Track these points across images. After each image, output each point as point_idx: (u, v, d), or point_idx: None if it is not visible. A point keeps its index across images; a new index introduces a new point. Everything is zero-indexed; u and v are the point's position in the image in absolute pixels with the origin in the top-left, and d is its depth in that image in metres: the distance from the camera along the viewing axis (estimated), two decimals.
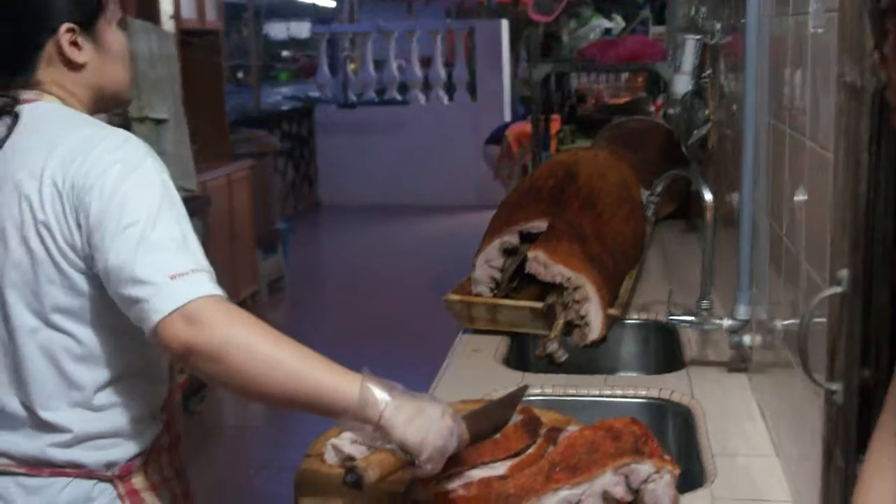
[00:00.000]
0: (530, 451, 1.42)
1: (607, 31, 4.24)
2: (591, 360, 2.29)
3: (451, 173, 9.78)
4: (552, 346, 2.07)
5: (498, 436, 1.42)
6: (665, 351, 2.37)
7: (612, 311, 2.15)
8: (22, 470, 1.40)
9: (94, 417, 1.40)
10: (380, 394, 1.24)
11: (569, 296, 2.11)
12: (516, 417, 1.47)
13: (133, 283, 1.25)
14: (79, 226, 1.31)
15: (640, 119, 3.87)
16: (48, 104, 1.42)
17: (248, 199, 6.37)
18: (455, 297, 2.29)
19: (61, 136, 1.35)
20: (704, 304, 1.98)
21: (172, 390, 1.52)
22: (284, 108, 10.27)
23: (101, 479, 1.41)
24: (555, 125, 4.83)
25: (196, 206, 5.23)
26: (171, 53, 5.10)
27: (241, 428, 4.70)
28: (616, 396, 1.96)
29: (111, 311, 1.34)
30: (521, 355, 2.33)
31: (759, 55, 1.78)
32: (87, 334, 1.37)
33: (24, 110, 1.41)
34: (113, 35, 1.46)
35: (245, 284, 6.27)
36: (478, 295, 2.29)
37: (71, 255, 1.33)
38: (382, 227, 9.11)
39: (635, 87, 5.91)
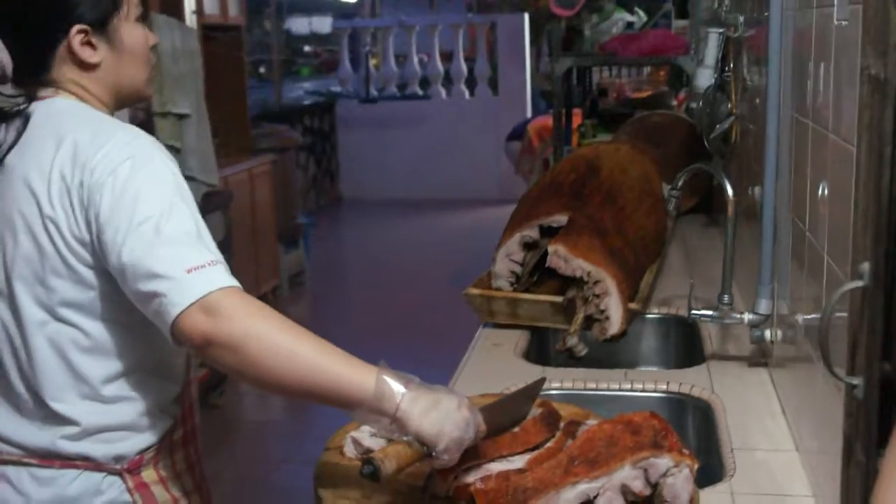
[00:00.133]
0: (549, 444, 1.41)
1: (629, 24, 4.22)
2: (611, 354, 2.28)
3: (472, 168, 9.78)
4: (572, 341, 2.07)
5: (517, 429, 1.42)
6: (685, 345, 2.36)
7: (633, 306, 2.14)
8: (34, 461, 1.42)
9: (102, 410, 1.41)
10: (396, 386, 1.24)
11: (589, 290, 2.11)
12: (535, 411, 1.47)
13: (150, 278, 1.26)
14: (87, 222, 1.32)
15: (662, 113, 3.85)
16: (64, 101, 1.43)
17: (270, 193, 6.39)
18: (475, 291, 2.29)
19: (71, 132, 1.36)
20: (725, 298, 1.97)
21: (188, 385, 1.53)
22: (306, 102, 10.29)
23: (111, 472, 1.43)
24: (576, 119, 4.81)
25: (218, 200, 5.26)
26: (194, 49, 5.12)
27: (262, 422, 4.73)
28: (636, 391, 1.95)
29: (120, 305, 1.36)
30: (542, 349, 2.33)
31: (782, 48, 1.76)
32: (95, 327, 1.39)
33: (40, 107, 1.42)
34: (130, 32, 1.45)
35: (266, 279, 6.29)
36: (498, 289, 2.29)
37: (79, 249, 1.34)
38: (403, 221, 9.12)
39: (657, 81, 5.88)
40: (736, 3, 2.54)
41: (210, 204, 5.14)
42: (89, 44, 1.42)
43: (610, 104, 5.09)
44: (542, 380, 1.59)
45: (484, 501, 1.27)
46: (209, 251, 1.30)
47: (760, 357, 2.02)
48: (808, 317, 1.51)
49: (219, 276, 1.27)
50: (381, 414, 1.24)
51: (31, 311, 1.38)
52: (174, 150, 4.92)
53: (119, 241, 1.28)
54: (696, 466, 1.31)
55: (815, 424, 1.47)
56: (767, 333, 1.86)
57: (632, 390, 1.95)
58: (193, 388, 1.56)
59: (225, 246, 5.22)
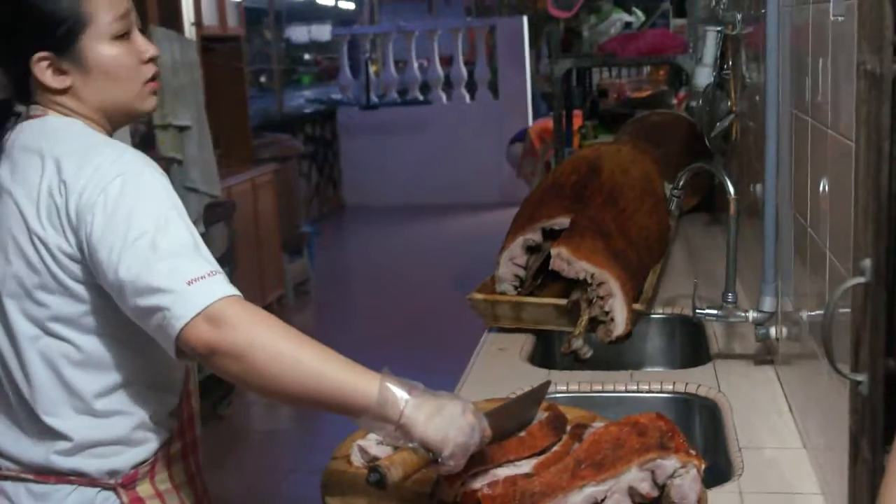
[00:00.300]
0: (556, 448, 1.41)
1: (627, 24, 4.22)
2: (616, 355, 2.28)
3: (474, 172, 9.78)
4: (577, 343, 2.06)
5: (523, 433, 1.42)
6: (691, 345, 2.36)
7: (637, 307, 2.14)
8: (31, 476, 1.43)
9: (94, 425, 1.41)
10: (399, 392, 1.24)
11: (593, 292, 2.10)
12: (541, 415, 1.47)
13: (150, 292, 1.26)
14: (79, 241, 1.32)
15: (662, 112, 3.85)
16: (56, 119, 1.43)
17: (273, 203, 6.39)
18: (479, 295, 2.29)
19: (59, 151, 1.36)
20: (729, 297, 1.97)
21: (187, 397, 1.53)
22: (307, 111, 10.30)
23: (105, 486, 1.43)
24: (577, 121, 4.81)
25: (221, 211, 5.27)
26: (194, 60, 5.13)
27: (269, 432, 4.72)
28: (642, 392, 1.95)
29: (112, 319, 1.37)
30: (547, 353, 2.32)
31: (780, 45, 1.76)
32: (86, 342, 1.39)
33: (32, 125, 1.42)
34: (101, 52, 1.41)
35: (271, 288, 6.29)
36: (502, 293, 2.29)
37: (70, 265, 1.34)
38: (407, 226, 9.13)
39: (657, 80, 5.88)
40: (733, 0, 2.54)
41: (213, 215, 5.14)
42: (57, 69, 1.40)
43: (610, 105, 5.09)
44: (547, 383, 1.59)
45: None
46: (207, 262, 1.30)
47: (766, 355, 2.01)
48: (812, 313, 1.51)
49: (220, 286, 1.27)
50: (385, 421, 1.24)
51: (23, 327, 1.39)
52: (176, 162, 4.92)
53: (115, 259, 1.28)
54: (703, 466, 1.31)
55: (822, 421, 1.46)
56: (772, 331, 1.86)
57: (638, 391, 1.95)
58: (194, 400, 1.56)
59: (229, 256, 5.23)
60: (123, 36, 1.43)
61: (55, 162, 1.35)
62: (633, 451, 1.29)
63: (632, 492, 1.28)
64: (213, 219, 5.14)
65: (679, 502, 1.29)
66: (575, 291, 2.15)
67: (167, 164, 4.85)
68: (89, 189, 1.31)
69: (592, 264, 2.10)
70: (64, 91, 1.42)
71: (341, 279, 7.72)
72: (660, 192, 2.57)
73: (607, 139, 3.90)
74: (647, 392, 1.95)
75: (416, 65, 10.31)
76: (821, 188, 1.42)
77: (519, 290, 2.29)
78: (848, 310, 1.21)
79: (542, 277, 2.30)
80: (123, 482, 1.44)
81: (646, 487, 1.29)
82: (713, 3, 2.80)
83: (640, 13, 4.47)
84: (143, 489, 1.46)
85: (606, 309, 2.09)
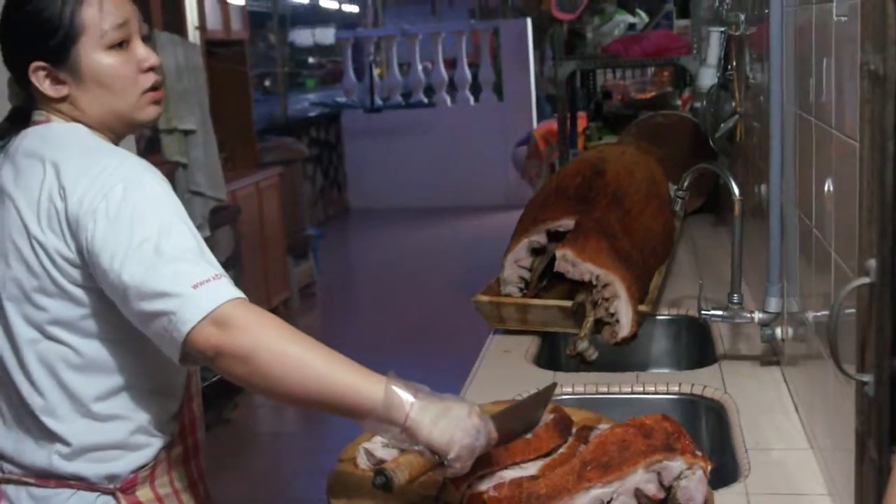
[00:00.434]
0: (561, 450, 1.41)
1: (631, 26, 4.22)
2: (622, 357, 2.28)
3: (478, 174, 9.78)
4: (582, 345, 2.06)
5: (529, 436, 1.42)
6: (696, 346, 2.36)
7: (642, 308, 2.14)
8: (32, 480, 1.43)
9: (93, 428, 1.42)
10: (405, 395, 1.24)
11: (598, 293, 2.10)
12: (547, 417, 1.47)
13: (155, 297, 1.26)
14: (79, 247, 1.33)
15: (666, 114, 3.85)
16: (60, 124, 1.43)
17: (278, 206, 6.40)
18: (484, 297, 2.29)
19: (60, 157, 1.37)
20: (735, 297, 1.97)
21: (188, 401, 1.53)
22: (311, 114, 10.31)
23: (104, 491, 1.43)
24: (581, 122, 4.81)
25: (226, 215, 5.28)
26: (198, 65, 5.14)
27: (275, 435, 4.73)
28: (648, 393, 1.95)
29: (112, 323, 1.37)
30: (552, 355, 2.32)
31: (783, 45, 1.76)
32: (85, 345, 1.39)
33: (36, 131, 1.43)
34: (96, 62, 1.40)
35: (277, 291, 6.30)
36: (507, 295, 2.29)
37: (69, 270, 1.35)
38: (411, 229, 9.13)
39: (661, 81, 5.88)
40: (737, 1, 2.54)
41: (218, 219, 5.15)
42: (54, 78, 1.41)
43: (614, 106, 5.09)
44: (554, 385, 1.59)
45: None
46: (212, 265, 1.30)
47: (772, 355, 2.01)
48: (818, 314, 1.51)
49: (225, 289, 1.28)
50: (390, 423, 1.24)
51: (22, 330, 1.39)
52: (181, 166, 4.93)
53: (118, 264, 1.28)
54: (709, 468, 1.30)
55: (829, 422, 1.46)
56: (778, 332, 1.86)
57: (644, 393, 1.95)
58: (195, 404, 1.56)
59: (234, 260, 5.24)
60: (122, 45, 1.42)
61: (56, 167, 1.35)
62: (639, 453, 1.29)
63: (638, 493, 1.28)
64: (218, 222, 5.15)
65: None
66: (580, 293, 2.15)
67: (172, 168, 4.86)
68: (90, 195, 1.31)
69: (597, 266, 2.10)
70: (62, 100, 1.43)
71: (346, 282, 7.73)
72: (664, 194, 2.57)
73: (612, 141, 3.89)
74: (652, 393, 1.95)
75: (420, 67, 10.31)
76: (825, 188, 1.42)
77: (524, 292, 2.29)
78: (853, 310, 1.21)
79: (547, 279, 2.30)
80: (122, 487, 1.44)
81: (652, 489, 1.28)
82: (716, 3, 2.79)
83: (643, 14, 4.47)
84: (143, 493, 1.46)
85: (612, 310, 2.09)
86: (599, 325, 2.11)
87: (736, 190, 1.99)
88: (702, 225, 3.33)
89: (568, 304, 2.16)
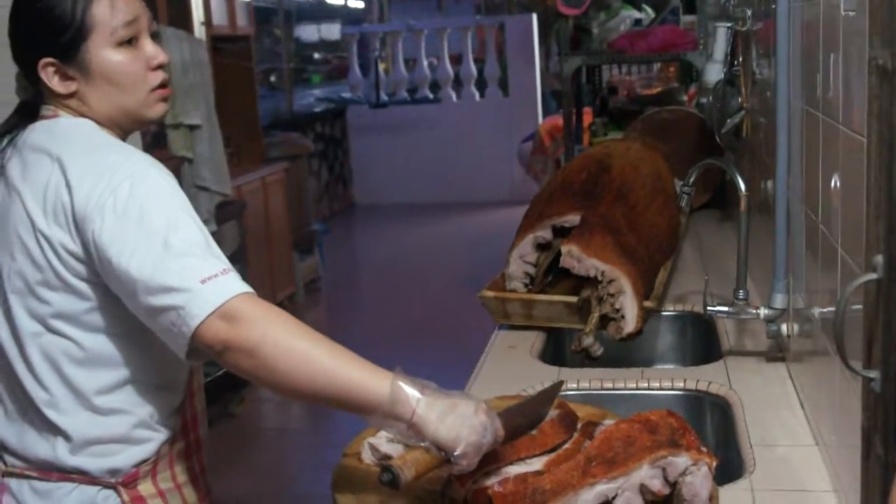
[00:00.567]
0: (567, 445, 1.41)
1: (637, 21, 4.21)
2: (627, 353, 2.28)
3: (484, 170, 9.78)
4: (588, 341, 2.06)
5: (534, 431, 1.42)
6: (702, 342, 2.35)
7: (648, 304, 2.14)
8: (35, 474, 1.44)
9: (95, 422, 1.42)
10: (411, 391, 1.24)
11: (603, 289, 2.10)
12: (552, 413, 1.47)
13: (163, 291, 1.26)
14: (84, 242, 1.33)
15: (672, 109, 3.84)
16: (67, 119, 1.44)
17: (283, 201, 6.41)
18: (490, 293, 2.29)
19: (67, 151, 1.37)
20: (741, 293, 1.96)
21: (191, 396, 1.53)
22: (317, 109, 10.30)
23: (105, 485, 1.44)
24: (587, 118, 4.80)
25: (232, 210, 5.28)
26: (204, 60, 5.14)
27: (280, 430, 4.74)
28: (653, 389, 1.95)
29: (116, 317, 1.38)
30: (557, 350, 2.32)
31: (790, 40, 1.75)
32: (88, 339, 1.40)
33: (43, 126, 1.44)
34: (105, 59, 1.41)
35: (282, 286, 6.30)
36: (512, 291, 2.29)
37: (74, 264, 1.35)
38: (416, 225, 9.13)
39: (667, 77, 5.86)
40: None
41: (224, 213, 5.16)
42: (63, 75, 1.41)
43: (620, 102, 5.08)
44: (561, 383, 1.59)
45: None
46: (219, 260, 1.31)
47: (777, 352, 2.01)
48: (824, 310, 1.50)
49: (233, 284, 1.28)
50: (396, 419, 1.24)
51: (26, 323, 1.40)
52: (187, 161, 4.94)
53: (126, 259, 1.28)
54: (714, 464, 1.30)
55: (834, 418, 1.46)
56: (784, 328, 1.85)
57: (649, 389, 1.95)
58: (198, 400, 1.56)
59: (240, 255, 5.24)
60: (131, 42, 1.43)
61: (62, 162, 1.36)
62: (645, 449, 1.29)
63: (643, 489, 1.28)
64: (223, 217, 5.15)
65: (690, 500, 1.29)
66: (585, 289, 2.15)
67: (178, 163, 4.86)
68: (98, 191, 1.32)
69: (603, 261, 2.10)
70: (71, 96, 1.43)
71: (351, 277, 7.73)
72: (670, 189, 2.57)
73: (617, 136, 3.88)
74: (658, 389, 1.94)
75: (425, 63, 10.30)
76: (832, 184, 1.42)
77: (529, 287, 2.29)
78: (860, 306, 1.20)
79: (552, 275, 2.30)
80: (124, 481, 1.44)
81: (657, 485, 1.28)
82: None
83: (649, 10, 4.46)
84: (145, 488, 1.46)
85: (617, 306, 2.08)
86: (605, 320, 2.11)
87: (742, 186, 1.99)
88: (707, 221, 3.33)
89: (573, 299, 2.16)
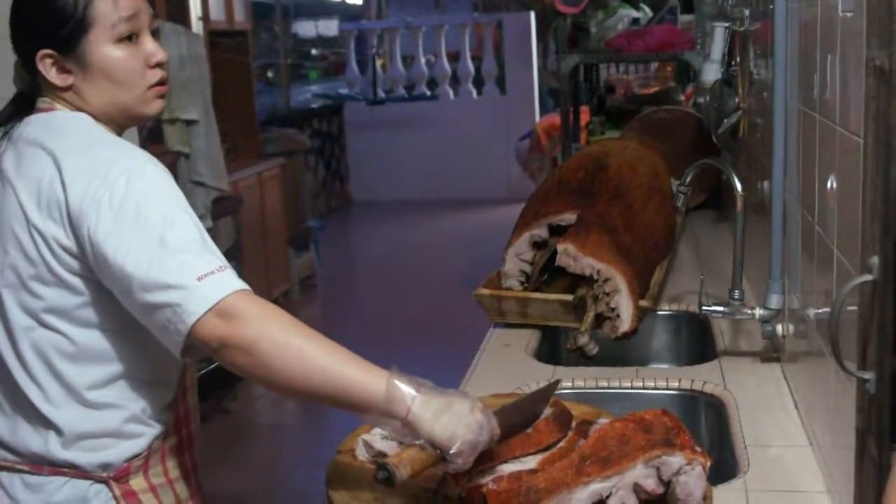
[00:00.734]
0: (561, 444, 1.41)
1: (635, 20, 4.21)
2: (622, 352, 2.28)
3: (481, 167, 9.77)
4: (583, 339, 2.06)
5: (529, 430, 1.42)
6: (697, 342, 2.36)
7: (643, 303, 2.14)
8: (26, 467, 1.44)
9: (87, 416, 1.42)
10: (407, 389, 1.24)
11: (599, 288, 2.10)
12: (547, 411, 1.47)
13: (159, 288, 1.26)
14: (79, 238, 1.32)
15: (669, 109, 3.84)
16: (63, 113, 1.44)
17: (280, 197, 6.40)
18: (485, 291, 2.29)
19: (62, 146, 1.37)
20: (736, 294, 1.97)
21: (183, 392, 1.53)
22: (314, 106, 10.29)
23: (97, 479, 1.44)
24: (584, 117, 4.80)
25: (228, 205, 5.28)
26: (201, 55, 5.13)
27: (275, 426, 4.73)
28: (648, 388, 1.95)
29: (108, 312, 1.37)
30: (552, 349, 2.32)
31: (788, 41, 1.76)
32: (80, 334, 1.39)
33: (38, 119, 1.43)
34: (104, 55, 1.41)
35: (278, 283, 6.30)
36: (508, 289, 2.29)
37: (67, 259, 1.35)
38: (413, 222, 9.13)
39: (664, 76, 5.87)
40: None
41: (220, 209, 5.15)
42: (61, 67, 1.41)
43: (617, 101, 5.08)
44: (557, 382, 1.59)
45: (496, 502, 1.26)
46: (216, 257, 1.31)
47: (772, 352, 2.01)
48: (819, 311, 1.50)
49: (229, 281, 1.28)
50: (392, 417, 1.24)
51: (18, 317, 1.40)
52: (183, 156, 4.93)
53: (122, 256, 1.28)
54: (708, 464, 1.30)
55: (829, 419, 1.46)
56: (779, 328, 1.86)
57: (643, 388, 1.95)
58: (191, 395, 1.56)
59: (235, 250, 5.23)
60: (131, 38, 1.42)
61: (57, 157, 1.35)
62: (639, 448, 1.29)
63: (637, 488, 1.28)
64: (220, 213, 5.15)
65: (684, 499, 1.29)
66: (581, 287, 2.15)
67: (174, 158, 4.86)
68: (93, 186, 1.31)
69: (599, 260, 2.10)
70: (67, 89, 1.43)
71: (347, 274, 7.73)
72: (667, 189, 2.57)
73: (614, 135, 3.89)
74: (652, 389, 1.95)
75: (423, 60, 10.29)
76: (828, 185, 1.42)
77: (525, 285, 2.29)
78: (855, 307, 1.20)
79: (548, 273, 2.30)
80: (116, 475, 1.44)
81: (651, 484, 1.28)
82: None
83: (647, 9, 4.46)
84: (137, 483, 1.46)
85: (612, 305, 2.08)
86: (600, 319, 2.11)
87: (738, 186, 1.99)
88: (704, 221, 3.33)
89: (569, 298, 2.16)
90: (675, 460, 1.29)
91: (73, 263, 1.35)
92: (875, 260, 1.13)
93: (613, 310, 2.09)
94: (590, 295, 2.12)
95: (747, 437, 1.65)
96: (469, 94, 10.17)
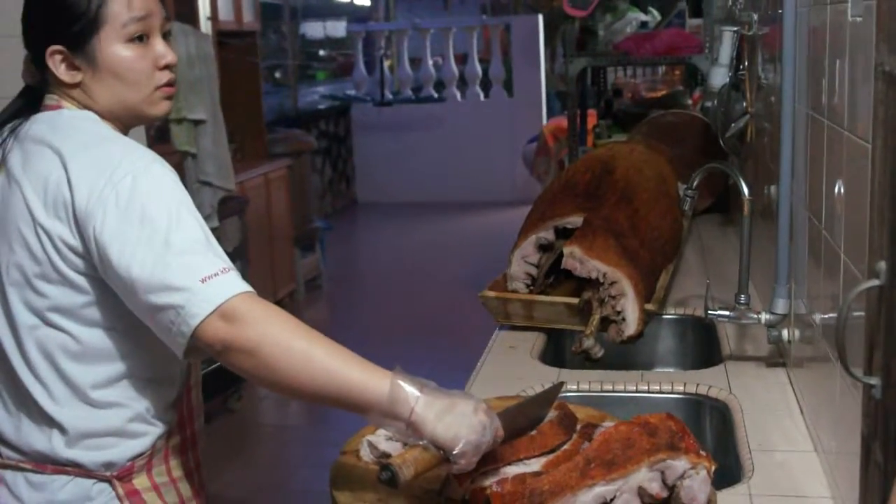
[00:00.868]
0: (565, 447, 1.41)
1: (643, 24, 4.21)
2: (627, 355, 2.28)
3: (487, 170, 9.78)
4: (588, 342, 2.06)
5: (533, 432, 1.42)
6: (702, 346, 2.35)
7: (649, 307, 2.13)
8: (29, 466, 1.44)
9: (91, 415, 1.42)
10: (410, 390, 1.24)
11: (605, 291, 2.10)
12: (552, 414, 1.47)
13: (163, 290, 1.26)
14: (84, 237, 1.32)
15: (677, 112, 3.83)
16: (70, 111, 1.44)
17: (286, 198, 6.40)
18: (491, 293, 2.29)
19: (69, 145, 1.37)
20: (742, 298, 1.96)
21: (188, 391, 1.53)
22: (321, 107, 10.30)
23: (100, 478, 1.44)
24: (591, 120, 4.80)
25: (234, 205, 5.28)
26: (209, 55, 5.14)
27: (279, 426, 4.73)
28: (653, 392, 1.94)
29: (113, 311, 1.37)
30: (558, 352, 2.32)
31: (796, 46, 1.75)
32: (84, 333, 1.39)
33: (45, 117, 1.43)
34: (113, 54, 1.41)
35: (283, 283, 6.30)
36: (514, 291, 2.28)
37: (72, 258, 1.35)
38: (419, 224, 9.13)
39: (672, 80, 5.86)
40: (750, 0, 2.53)
41: (226, 209, 5.15)
42: (70, 64, 1.41)
43: (625, 104, 5.08)
44: (561, 384, 1.59)
45: None
46: (220, 258, 1.31)
47: (778, 357, 2.00)
48: (826, 316, 1.50)
49: (233, 283, 1.28)
50: (395, 418, 1.24)
51: (23, 316, 1.40)
52: (190, 156, 4.94)
53: (127, 256, 1.28)
54: (713, 468, 1.30)
55: (834, 425, 1.45)
56: (785, 333, 1.85)
57: (648, 392, 1.95)
58: (195, 395, 1.56)
59: (241, 251, 5.24)
60: (141, 38, 1.43)
61: (64, 156, 1.35)
62: (643, 452, 1.28)
63: (641, 492, 1.28)
64: (226, 213, 5.15)
65: (689, 503, 1.28)
66: (587, 290, 2.15)
67: (181, 158, 4.86)
68: (99, 186, 1.31)
69: (605, 263, 2.09)
70: (75, 86, 1.43)
71: (353, 275, 7.73)
72: (673, 193, 2.56)
73: (621, 138, 3.88)
74: (657, 392, 1.94)
75: (430, 62, 10.30)
76: (836, 190, 1.41)
77: (531, 288, 2.29)
78: (862, 312, 1.20)
79: (554, 276, 2.30)
80: (119, 475, 1.44)
81: (655, 488, 1.28)
82: (730, 3, 2.78)
83: (655, 12, 4.46)
84: (140, 482, 1.46)
85: (618, 308, 2.08)
86: (605, 322, 2.11)
87: (745, 190, 1.98)
88: (710, 225, 3.33)
89: (574, 301, 2.16)
90: (680, 464, 1.28)
91: (79, 262, 1.35)
92: (882, 265, 1.12)
93: (619, 313, 2.08)
94: (595, 298, 2.12)
95: (752, 441, 1.65)
96: (476, 96, 10.18)
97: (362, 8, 13.87)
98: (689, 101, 4.61)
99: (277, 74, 11.86)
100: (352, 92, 10.93)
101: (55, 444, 1.42)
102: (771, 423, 1.73)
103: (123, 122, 1.48)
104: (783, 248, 1.83)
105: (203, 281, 1.26)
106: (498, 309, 2.28)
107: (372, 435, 1.46)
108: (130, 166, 1.33)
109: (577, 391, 1.96)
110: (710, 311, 1.98)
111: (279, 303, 5.91)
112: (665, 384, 1.95)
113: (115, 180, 1.31)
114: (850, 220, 1.33)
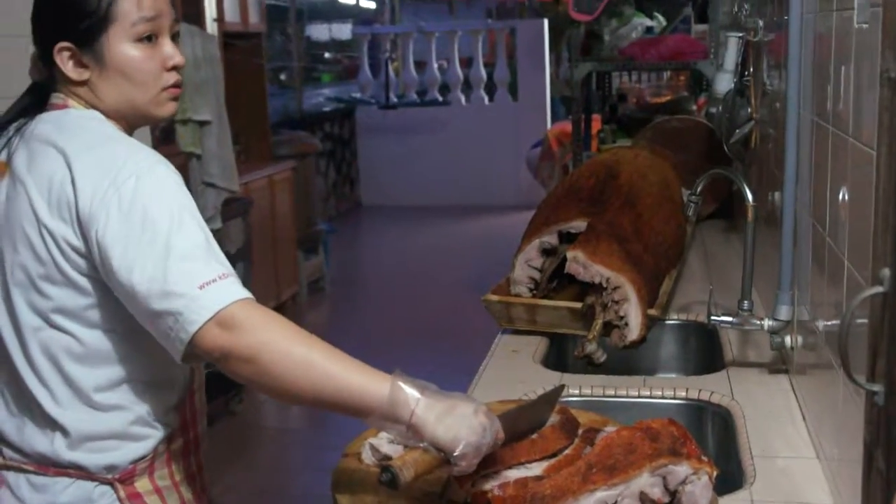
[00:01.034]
0: (567, 451, 1.41)
1: (649, 29, 4.21)
2: (630, 360, 2.27)
3: (491, 174, 9.78)
4: (591, 347, 2.06)
5: (535, 436, 1.42)
6: (705, 352, 2.35)
7: (652, 312, 2.13)
8: (32, 468, 1.44)
9: (93, 418, 1.42)
10: (410, 392, 1.24)
11: (608, 296, 2.10)
12: (554, 418, 1.47)
13: (162, 296, 1.26)
14: (87, 238, 1.32)
15: (681, 118, 3.84)
16: (76, 111, 1.43)
17: (290, 200, 6.41)
18: (494, 297, 2.28)
19: (74, 145, 1.37)
20: (745, 304, 1.96)
21: (190, 394, 1.53)
22: (326, 109, 10.31)
23: (102, 481, 1.44)
24: (596, 125, 4.80)
25: (238, 207, 5.28)
26: (215, 56, 5.15)
27: (281, 429, 4.73)
28: (655, 397, 1.94)
29: (116, 314, 1.37)
30: (560, 356, 2.32)
31: (802, 52, 1.75)
32: (88, 335, 1.39)
33: (50, 116, 1.43)
34: (121, 52, 1.41)
35: (286, 285, 6.30)
36: (517, 295, 2.28)
37: (76, 259, 1.35)
38: (422, 227, 9.13)
39: (677, 85, 5.87)
40: (756, 6, 2.53)
41: (230, 210, 5.16)
42: (78, 61, 1.41)
43: (629, 109, 5.08)
44: (562, 387, 1.59)
45: None
46: (220, 263, 1.30)
47: (781, 364, 2.00)
48: (829, 323, 1.50)
49: (232, 289, 1.28)
50: (395, 421, 1.24)
51: (27, 317, 1.39)
52: (195, 157, 4.94)
53: (129, 261, 1.28)
54: (714, 474, 1.30)
55: (836, 431, 1.45)
56: (788, 340, 1.85)
57: (651, 397, 1.94)
58: (198, 398, 1.55)
59: (245, 252, 5.24)
60: (150, 39, 1.42)
61: (68, 157, 1.35)
62: (645, 457, 1.28)
63: (643, 497, 1.28)
64: (230, 214, 5.16)
65: None
66: (590, 295, 2.14)
67: (186, 159, 4.87)
68: (103, 187, 1.31)
69: (608, 268, 2.09)
70: (82, 83, 1.43)
71: (356, 278, 7.73)
72: (677, 198, 2.56)
73: (626, 143, 3.88)
74: (660, 398, 1.94)
75: (435, 65, 10.31)
76: (840, 196, 1.41)
77: (534, 292, 2.29)
78: (865, 320, 1.20)
79: (557, 280, 2.30)
80: (121, 477, 1.44)
81: (657, 493, 1.28)
82: (735, 9, 2.79)
83: (661, 18, 4.47)
84: (142, 485, 1.46)
85: (621, 313, 2.08)
86: (608, 327, 2.11)
87: (749, 196, 1.98)
88: (714, 230, 3.32)
89: (577, 305, 2.16)
90: (682, 469, 1.28)
91: (82, 263, 1.35)
92: (886, 272, 1.12)
93: (622, 318, 2.08)
94: (598, 303, 2.12)
95: (754, 448, 1.65)
96: (481, 100, 10.19)
97: (368, 11, 13.89)
98: (694, 107, 4.61)
99: (282, 76, 11.87)
100: (357, 94, 10.94)
101: (57, 447, 1.42)
102: (773, 429, 1.73)
103: (129, 121, 1.48)
104: (787, 254, 1.83)
105: (201, 287, 1.26)
106: (501, 313, 2.28)
107: (374, 438, 1.46)
108: (134, 167, 1.33)
109: (580, 396, 1.95)
110: (712, 317, 1.98)
111: (282, 305, 5.92)
112: (667, 390, 1.95)
113: (119, 182, 1.31)
114: (854, 226, 1.33)
